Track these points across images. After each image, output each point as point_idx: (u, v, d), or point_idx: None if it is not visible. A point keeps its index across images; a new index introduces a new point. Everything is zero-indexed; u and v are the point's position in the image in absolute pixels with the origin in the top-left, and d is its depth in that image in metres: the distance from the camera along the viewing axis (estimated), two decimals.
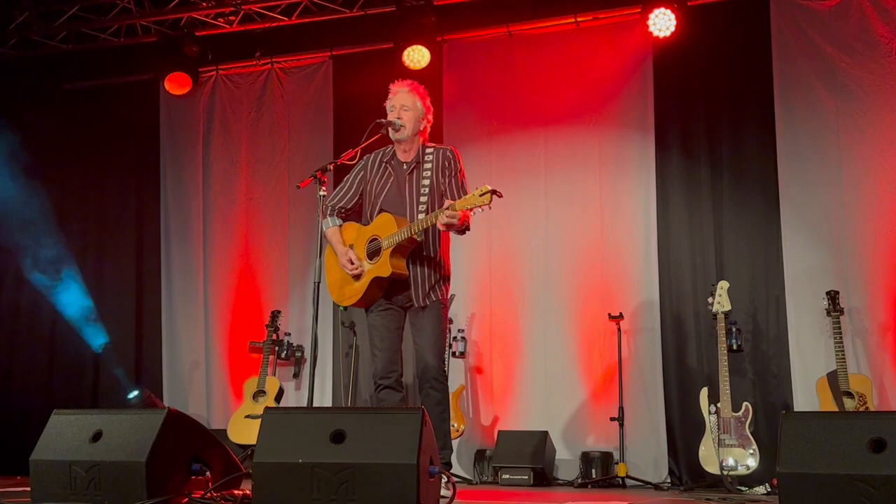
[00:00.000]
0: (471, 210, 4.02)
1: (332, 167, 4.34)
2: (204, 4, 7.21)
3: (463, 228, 4.20)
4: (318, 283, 4.14)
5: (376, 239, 4.32)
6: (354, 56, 7.36)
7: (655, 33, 6.34)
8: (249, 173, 7.55)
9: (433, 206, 4.31)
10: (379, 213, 4.39)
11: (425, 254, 4.35)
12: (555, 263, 6.63)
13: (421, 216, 4.26)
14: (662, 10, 6.25)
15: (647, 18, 6.30)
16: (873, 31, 6.07)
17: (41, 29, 7.53)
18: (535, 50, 6.90)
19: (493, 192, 3.91)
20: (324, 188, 4.20)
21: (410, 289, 4.33)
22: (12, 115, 7.63)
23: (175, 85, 7.41)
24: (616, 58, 6.69)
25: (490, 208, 3.98)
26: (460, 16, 7.00)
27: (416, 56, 6.77)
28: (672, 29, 6.28)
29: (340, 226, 4.51)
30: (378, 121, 4.39)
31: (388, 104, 4.48)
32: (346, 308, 4.54)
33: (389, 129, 4.39)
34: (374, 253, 4.32)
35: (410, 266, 4.31)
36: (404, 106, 4.42)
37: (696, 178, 6.43)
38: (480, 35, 7.06)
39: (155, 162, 7.76)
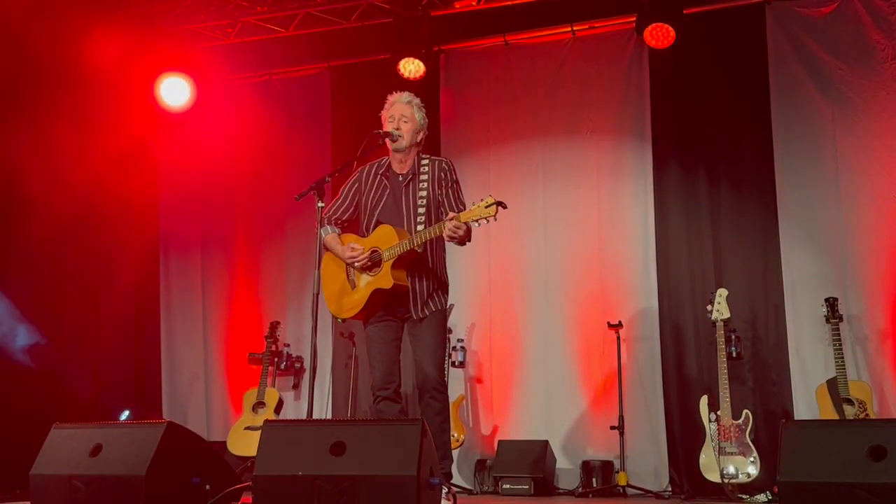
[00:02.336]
0: (476, 222, 4.01)
1: (330, 179, 4.33)
2: (202, 17, 7.23)
3: (465, 240, 4.19)
4: (317, 294, 4.14)
5: (377, 251, 4.31)
6: (352, 67, 7.38)
7: (653, 44, 6.36)
8: (247, 184, 7.56)
9: (431, 217, 4.31)
10: (376, 225, 4.38)
11: (424, 265, 4.35)
12: (554, 272, 6.63)
13: (420, 228, 4.25)
14: (660, 24, 6.27)
15: (645, 32, 6.32)
16: (869, 37, 6.09)
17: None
18: (532, 59, 6.92)
19: (499, 203, 3.90)
20: (322, 200, 4.20)
21: (409, 300, 4.32)
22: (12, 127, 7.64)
23: (173, 96, 7.42)
24: (612, 66, 6.71)
25: (496, 220, 3.95)
26: (457, 26, 7.02)
27: (412, 67, 6.79)
28: (670, 41, 6.30)
29: (339, 234, 4.51)
30: (376, 131, 4.39)
31: (385, 114, 4.47)
32: (343, 320, 4.52)
33: (387, 139, 4.40)
34: (374, 265, 4.32)
35: (409, 277, 4.31)
36: (403, 116, 4.41)
37: (693, 186, 6.44)
38: (477, 45, 7.09)
39: (153, 174, 7.75)
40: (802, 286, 6.00)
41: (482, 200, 3.94)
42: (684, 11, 6.36)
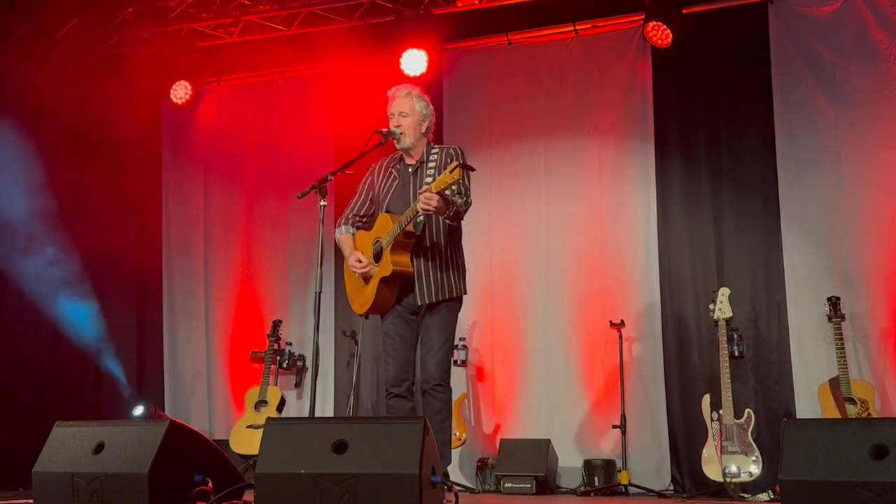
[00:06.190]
0: (447, 190, 3.90)
1: (332, 178, 4.33)
2: (204, 16, 7.23)
3: (448, 213, 4.10)
4: (319, 292, 4.14)
5: (378, 240, 4.31)
6: (354, 65, 7.36)
7: (655, 43, 6.36)
8: (250, 184, 7.57)
9: None
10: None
11: (428, 247, 4.28)
12: (556, 271, 6.63)
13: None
14: (659, 23, 6.27)
15: (647, 29, 6.32)
16: (871, 36, 6.08)
17: (41, 42, 7.55)
18: (535, 58, 6.92)
19: (463, 165, 3.86)
20: (324, 198, 4.20)
21: (415, 286, 4.26)
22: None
23: (177, 95, 7.44)
24: (615, 65, 6.71)
25: (463, 181, 3.95)
26: (460, 25, 7.02)
27: (414, 62, 6.79)
28: (669, 41, 6.30)
29: (354, 234, 4.52)
30: (377, 131, 4.39)
31: (388, 111, 4.49)
32: (367, 316, 4.50)
33: (390, 138, 4.41)
34: (378, 255, 4.32)
35: (414, 261, 4.25)
36: (402, 112, 4.39)
37: (695, 185, 6.44)
38: (480, 44, 7.09)
39: (157, 173, 7.78)
40: (805, 285, 6.00)
41: (447, 169, 3.89)
42: (683, 11, 6.34)
